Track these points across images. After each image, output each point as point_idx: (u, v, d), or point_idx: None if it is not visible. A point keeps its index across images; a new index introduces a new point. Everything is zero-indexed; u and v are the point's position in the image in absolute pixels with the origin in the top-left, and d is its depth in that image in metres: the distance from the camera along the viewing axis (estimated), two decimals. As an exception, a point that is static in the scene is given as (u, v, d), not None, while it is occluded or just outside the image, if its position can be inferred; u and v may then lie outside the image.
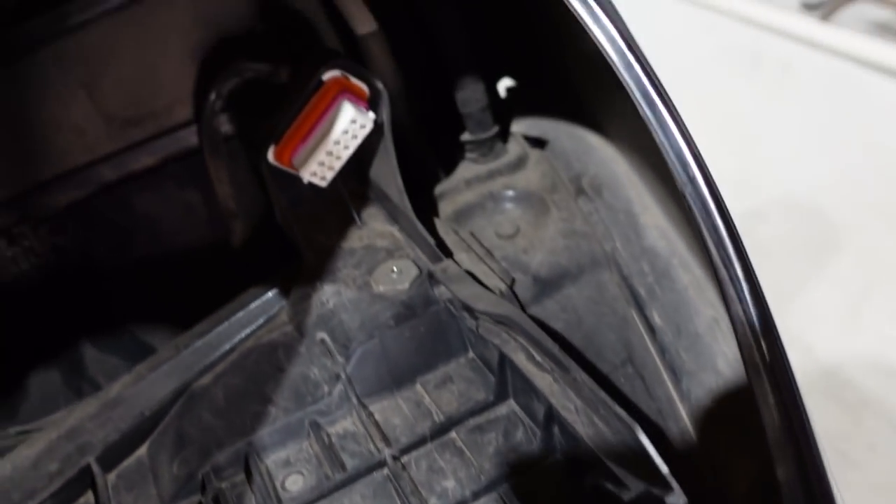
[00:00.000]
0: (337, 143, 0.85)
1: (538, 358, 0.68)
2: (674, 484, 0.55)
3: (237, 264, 1.02)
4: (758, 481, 0.61)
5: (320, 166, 0.87)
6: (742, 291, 0.56)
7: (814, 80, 2.96)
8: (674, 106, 0.55)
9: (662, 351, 0.77)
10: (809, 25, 3.08)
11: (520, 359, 0.70)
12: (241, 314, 0.89)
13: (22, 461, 0.77)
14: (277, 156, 0.87)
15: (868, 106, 2.82)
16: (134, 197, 1.02)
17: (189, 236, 1.03)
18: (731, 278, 0.57)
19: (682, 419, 0.70)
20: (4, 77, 0.92)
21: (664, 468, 0.55)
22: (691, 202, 0.54)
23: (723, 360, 0.71)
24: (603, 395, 0.60)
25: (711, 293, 0.79)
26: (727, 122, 2.71)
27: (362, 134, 0.85)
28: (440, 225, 0.95)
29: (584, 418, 0.63)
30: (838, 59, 2.98)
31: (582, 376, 0.63)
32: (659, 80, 0.56)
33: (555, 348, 0.66)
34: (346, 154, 0.86)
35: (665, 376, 0.74)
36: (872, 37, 3.00)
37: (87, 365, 1.03)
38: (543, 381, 0.67)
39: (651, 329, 0.79)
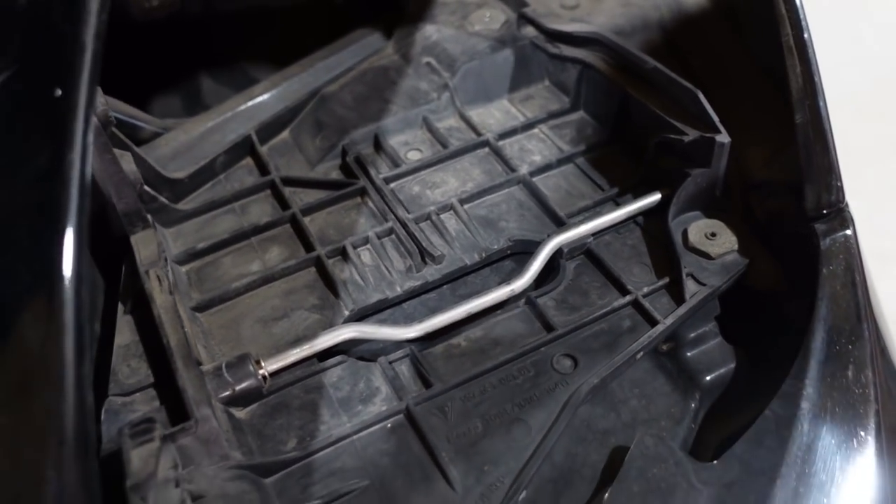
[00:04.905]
0: None
1: (615, 63, 0.90)
2: (722, 129, 0.77)
3: (338, 16, 1.20)
4: (769, 160, 0.84)
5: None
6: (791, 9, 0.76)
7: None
8: None
9: (697, 76, 0.98)
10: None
11: (600, 66, 0.91)
12: (352, 47, 1.08)
13: (190, 134, 0.97)
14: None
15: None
16: (250, -47, 1.18)
17: (298, -9, 1.20)
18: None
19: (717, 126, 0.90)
20: None
21: (715, 117, 0.78)
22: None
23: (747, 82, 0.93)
24: (671, 75, 0.82)
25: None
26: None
27: None
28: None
29: (655, 95, 0.84)
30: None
31: (655, 65, 0.85)
32: None
33: (631, 51, 0.87)
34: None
35: (701, 97, 0.94)
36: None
37: (203, 94, 1.21)
38: (620, 76, 0.88)
39: (690, 69, 1.01)
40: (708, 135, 0.78)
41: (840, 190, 0.73)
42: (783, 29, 0.74)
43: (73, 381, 0.41)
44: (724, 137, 0.77)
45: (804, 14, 0.74)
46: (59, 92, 0.47)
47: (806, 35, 0.74)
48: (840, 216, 0.73)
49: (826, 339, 0.68)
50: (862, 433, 0.66)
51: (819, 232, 0.72)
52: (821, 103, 0.74)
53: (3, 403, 0.42)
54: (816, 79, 0.73)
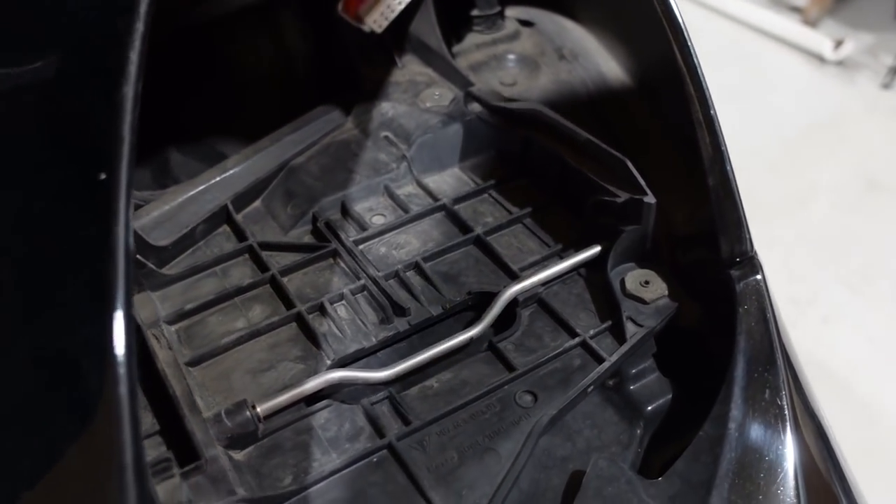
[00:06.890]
0: (395, -2, 1.15)
1: (553, 135, 1.03)
2: (648, 191, 0.90)
3: (299, 95, 1.30)
4: (688, 217, 0.97)
5: (380, 16, 1.16)
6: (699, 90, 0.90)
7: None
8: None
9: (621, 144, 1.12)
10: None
11: (540, 137, 1.04)
12: (314, 123, 1.18)
13: (169, 205, 1.04)
14: (345, 8, 1.16)
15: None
16: (216, 38, 1.28)
17: (261, 71, 1.31)
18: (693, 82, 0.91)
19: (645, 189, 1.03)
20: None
21: (643, 182, 0.91)
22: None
23: (663, 150, 1.07)
24: (602, 146, 0.95)
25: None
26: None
27: (414, -7, 1.15)
28: (459, 73, 1.26)
29: (590, 162, 0.97)
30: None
31: (588, 137, 0.98)
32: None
33: (567, 124, 1.00)
34: (399, 8, 1.17)
35: (629, 165, 1.07)
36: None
37: (172, 167, 1.29)
38: (557, 146, 1.01)
39: (615, 137, 1.14)
40: (637, 196, 0.91)
41: (749, 241, 0.86)
42: (692, 107, 0.87)
43: (128, 412, 0.49)
44: (650, 199, 0.90)
45: (710, 94, 0.88)
46: (102, 176, 0.56)
47: (712, 111, 0.88)
48: (751, 263, 0.86)
49: (745, 369, 0.80)
50: (780, 447, 0.77)
51: (734, 277, 0.85)
52: (728, 168, 0.87)
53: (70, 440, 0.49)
54: (723, 147, 0.87)
